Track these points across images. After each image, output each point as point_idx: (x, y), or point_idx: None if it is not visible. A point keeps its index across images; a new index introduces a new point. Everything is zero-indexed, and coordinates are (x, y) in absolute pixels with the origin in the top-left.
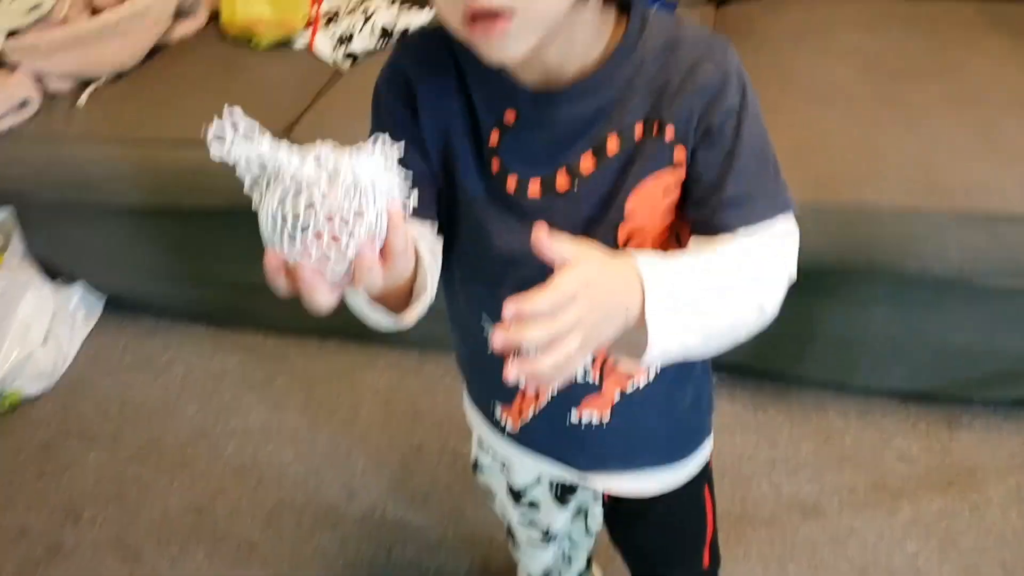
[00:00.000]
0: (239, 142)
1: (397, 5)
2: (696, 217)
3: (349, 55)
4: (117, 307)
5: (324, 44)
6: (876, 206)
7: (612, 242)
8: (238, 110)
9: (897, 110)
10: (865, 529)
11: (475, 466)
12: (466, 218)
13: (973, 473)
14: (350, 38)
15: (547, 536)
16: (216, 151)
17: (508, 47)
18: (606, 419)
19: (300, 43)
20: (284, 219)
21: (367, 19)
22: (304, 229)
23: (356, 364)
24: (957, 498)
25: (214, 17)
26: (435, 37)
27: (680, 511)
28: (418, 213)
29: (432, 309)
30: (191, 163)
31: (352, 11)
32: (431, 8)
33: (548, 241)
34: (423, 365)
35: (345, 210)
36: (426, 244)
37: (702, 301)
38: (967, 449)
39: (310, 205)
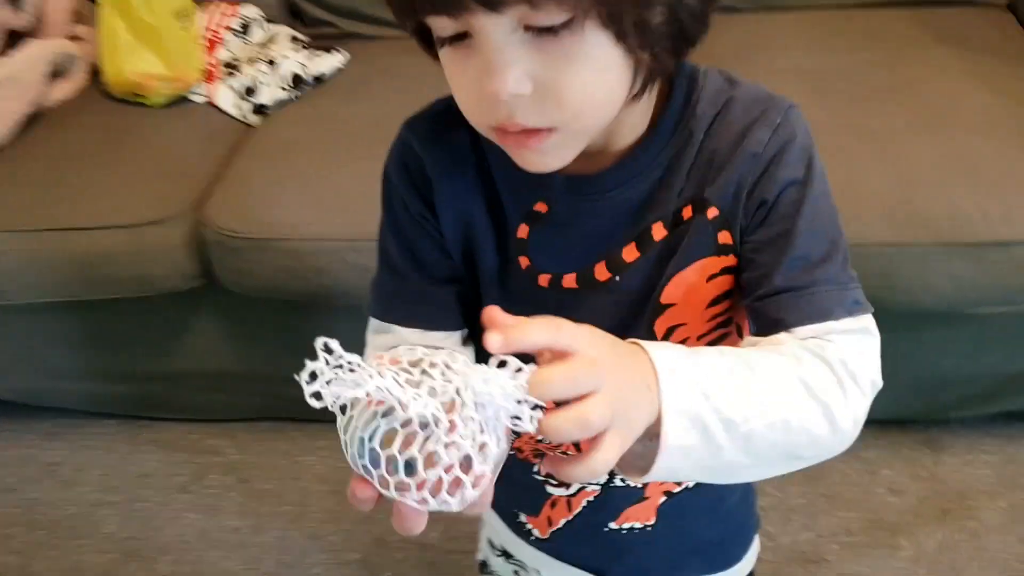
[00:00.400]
0: (341, 384)
1: (306, 50)
2: (749, 309)
3: (258, 108)
4: (8, 413)
5: (227, 97)
6: (860, 242)
7: (649, 333)
8: (335, 344)
9: (865, 138)
10: (870, 574)
11: (482, 567)
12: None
13: (964, 498)
14: (256, 89)
15: None
16: (315, 394)
17: (546, 161)
18: (650, 522)
19: (198, 98)
20: (392, 463)
21: (272, 66)
22: (416, 474)
23: (296, 448)
24: (954, 527)
25: (96, 74)
26: (448, 115)
27: None
28: (445, 325)
29: None
30: (92, 251)
31: (254, 59)
32: (344, 53)
33: (504, 319)
34: None
35: (467, 449)
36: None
37: (735, 399)
38: (953, 472)
39: (430, 455)
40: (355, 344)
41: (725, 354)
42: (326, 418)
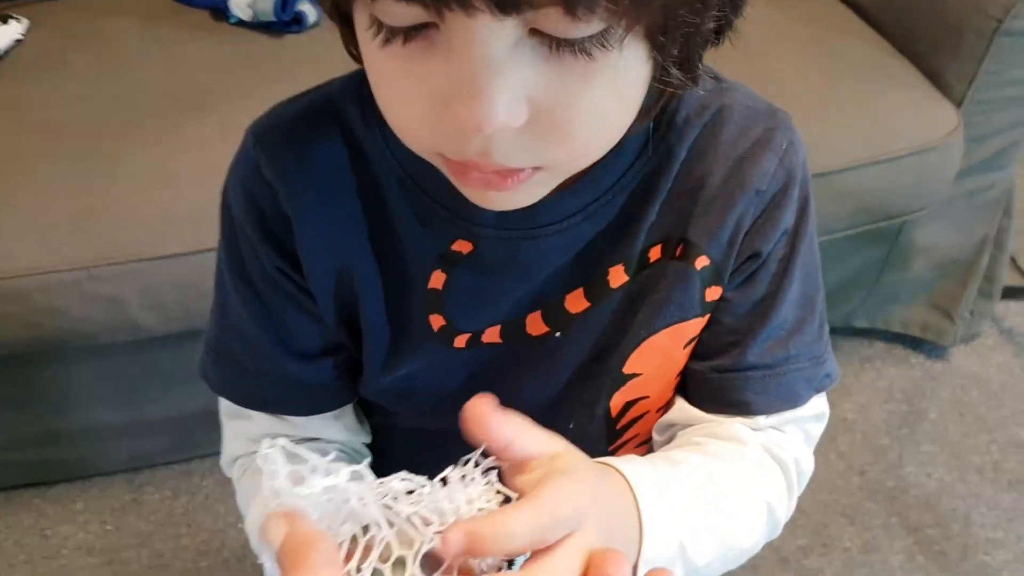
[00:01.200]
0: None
1: None
2: (701, 377)
3: None
4: None
5: None
6: None
7: (602, 413)
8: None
9: None
10: None
11: None
12: (378, 392)
13: None
14: None
15: None
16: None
17: (515, 200)
18: None
19: None
20: None
21: None
22: None
23: (44, 520)
24: None
25: None
26: (312, 119)
27: None
28: (325, 406)
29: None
30: None
31: None
32: (22, 21)
33: (492, 417)
34: (142, 493)
35: None
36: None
37: (704, 545)
38: None
39: None
40: (121, 393)
41: (699, 475)
42: (76, 474)
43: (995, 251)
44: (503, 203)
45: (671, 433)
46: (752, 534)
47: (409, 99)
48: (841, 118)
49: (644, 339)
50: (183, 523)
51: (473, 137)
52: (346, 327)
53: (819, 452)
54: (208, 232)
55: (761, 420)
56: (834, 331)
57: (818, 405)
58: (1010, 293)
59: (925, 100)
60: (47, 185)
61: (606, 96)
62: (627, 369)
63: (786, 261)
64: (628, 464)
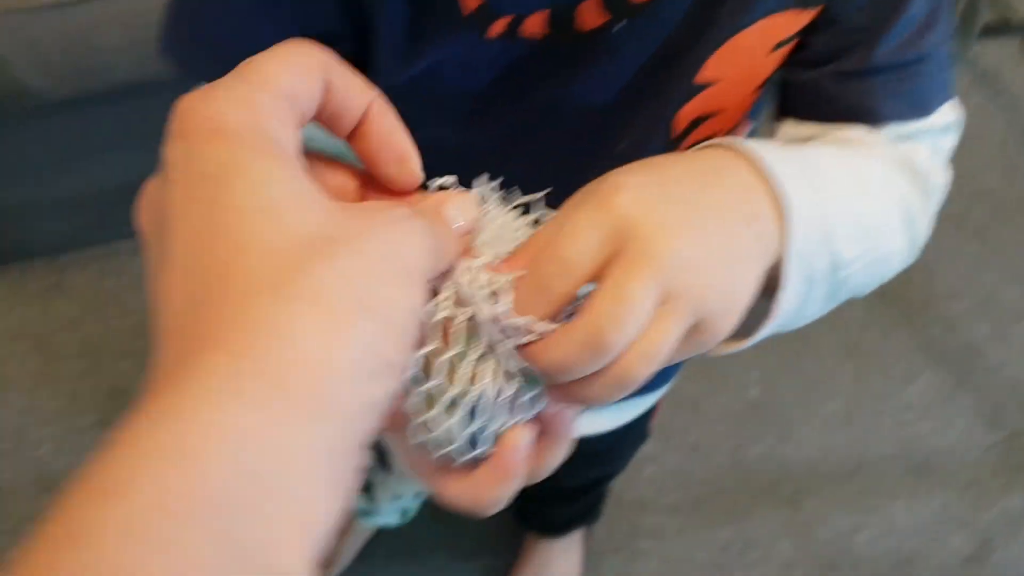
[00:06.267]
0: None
1: None
2: (811, 86)
3: None
4: None
5: None
6: None
7: (663, 129)
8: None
9: None
10: None
11: None
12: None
13: None
14: None
15: None
16: None
17: None
18: None
19: None
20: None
21: None
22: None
23: None
24: None
25: None
26: None
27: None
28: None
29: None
30: None
31: None
32: None
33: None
34: (64, 277)
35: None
36: None
37: (849, 239)
38: None
39: None
40: (20, 171)
41: (831, 156)
42: None
43: None
44: None
45: None
46: (895, 235)
47: None
48: None
49: (728, 37)
50: (113, 304)
51: None
52: (344, 6)
53: None
54: None
55: (890, 130)
56: None
57: (947, 114)
58: (989, 30)
59: None
60: None
61: None
62: (701, 78)
63: None
64: (741, 141)
